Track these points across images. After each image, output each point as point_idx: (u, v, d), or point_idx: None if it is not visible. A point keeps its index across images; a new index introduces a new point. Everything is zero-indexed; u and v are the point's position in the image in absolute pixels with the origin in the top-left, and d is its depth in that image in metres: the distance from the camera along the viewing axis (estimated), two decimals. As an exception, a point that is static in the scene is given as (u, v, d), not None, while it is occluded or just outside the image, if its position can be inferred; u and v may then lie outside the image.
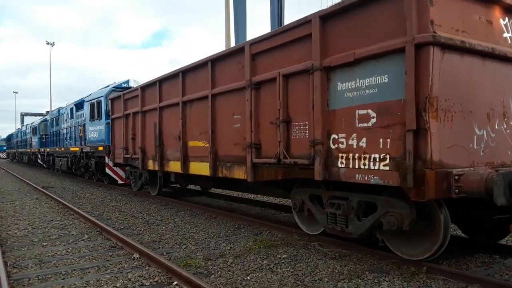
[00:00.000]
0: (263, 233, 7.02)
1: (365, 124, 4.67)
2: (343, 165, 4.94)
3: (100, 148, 14.69)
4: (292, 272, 4.85)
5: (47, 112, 36.75)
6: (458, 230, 6.26)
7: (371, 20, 4.60)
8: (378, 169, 4.49)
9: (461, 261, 5.11)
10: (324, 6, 5.74)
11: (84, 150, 16.78)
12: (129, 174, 13.00)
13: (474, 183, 4.07)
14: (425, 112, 4.08)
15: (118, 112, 12.59)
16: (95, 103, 15.36)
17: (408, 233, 4.83)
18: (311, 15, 5.33)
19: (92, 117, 15.74)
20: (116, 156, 13.08)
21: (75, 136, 18.68)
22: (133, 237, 6.84)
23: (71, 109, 19.60)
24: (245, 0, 19.93)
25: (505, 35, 4.82)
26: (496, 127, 4.67)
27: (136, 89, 11.21)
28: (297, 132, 5.72)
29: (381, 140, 4.49)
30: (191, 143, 8.57)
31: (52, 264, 5.42)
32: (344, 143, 4.93)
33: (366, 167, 4.63)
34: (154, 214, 9.19)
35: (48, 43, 50.98)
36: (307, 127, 5.51)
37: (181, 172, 8.87)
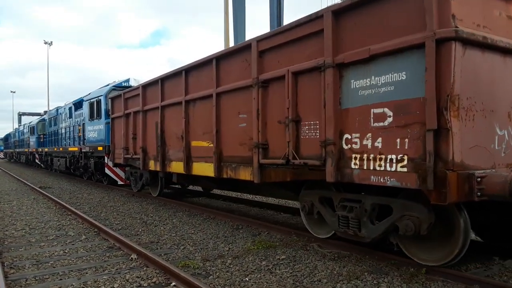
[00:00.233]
0: (262, 234, 6.96)
1: (381, 124, 4.46)
2: (356, 166, 4.73)
3: (100, 148, 14.45)
4: (291, 273, 4.82)
5: (45, 112, 36.48)
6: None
7: (388, 14, 4.40)
8: (395, 170, 4.28)
9: (460, 262, 4.94)
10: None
11: (83, 150, 16.54)
12: (129, 175, 12.77)
13: (497, 186, 3.87)
14: (447, 111, 3.88)
15: (118, 112, 12.36)
16: (95, 102, 15.12)
17: (425, 238, 4.62)
18: (322, 10, 5.13)
19: (91, 117, 15.50)
20: (116, 156, 12.85)
21: (73, 136, 18.43)
22: (131, 238, 6.79)
23: (70, 108, 19.35)
24: (244, 2, 19.84)
25: (526, 31, 4.62)
26: (517, 127, 4.48)
27: (137, 87, 10.98)
28: (307, 131, 5.51)
29: (398, 140, 4.28)
30: (194, 143, 8.35)
31: (49, 264, 5.38)
32: (358, 143, 4.73)
33: (382, 168, 4.42)
34: (152, 215, 9.12)
35: (46, 43, 50.59)
36: (317, 126, 5.31)
37: (183, 173, 8.65)
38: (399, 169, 4.25)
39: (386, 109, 4.41)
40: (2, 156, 62.46)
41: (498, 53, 4.32)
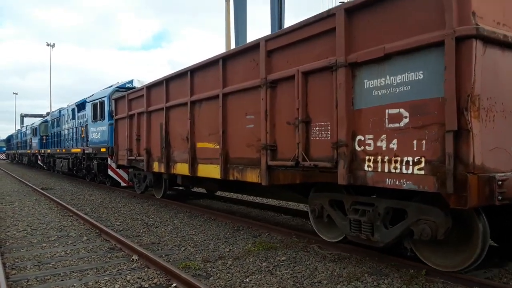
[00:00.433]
0: (262, 235, 6.94)
1: (396, 125, 4.32)
2: (370, 169, 4.58)
3: (103, 150, 14.32)
4: (291, 274, 4.82)
5: (48, 113, 36.40)
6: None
7: (404, 12, 4.26)
8: (412, 173, 4.13)
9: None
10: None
11: (86, 151, 16.41)
12: (133, 176, 12.64)
13: (520, 189, 3.72)
14: (467, 111, 3.73)
15: (122, 113, 12.24)
16: (98, 103, 14.99)
17: (440, 243, 4.46)
18: (334, 8, 5.00)
19: (94, 118, 15.37)
20: (119, 157, 12.72)
21: (76, 137, 18.32)
22: (132, 239, 6.77)
23: (73, 109, 19.25)
24: (245, 2, 19.77)
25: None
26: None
27: (142, 88, 10.86)
28: (317, 133, 5.36)
29: (415, 141, 4.13)
30: (199, 145, 8.21)
31: (51, 265, 5.38)
32: (372, 145, 4.58)
33: (398, 171, 4.27)
34: (153, 216, 9.09)
35: (48, 45, 50.64)
36: (329, 127, 5.17)
37: (188, 174, 8.51)
38: (416, 171, 4.10)
39: (402, 110, 4.26)
40: (4, 158, 62.46)
41: (518, 52, 4.17)
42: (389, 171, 4.35)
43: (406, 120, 4.22)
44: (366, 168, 4.63)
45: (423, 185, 4.03)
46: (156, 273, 4.88)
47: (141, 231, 7.56)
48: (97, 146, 15.07)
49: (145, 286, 4.52)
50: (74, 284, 4.59)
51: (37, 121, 33.46)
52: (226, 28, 18.93)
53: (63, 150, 20.66)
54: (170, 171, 9.44)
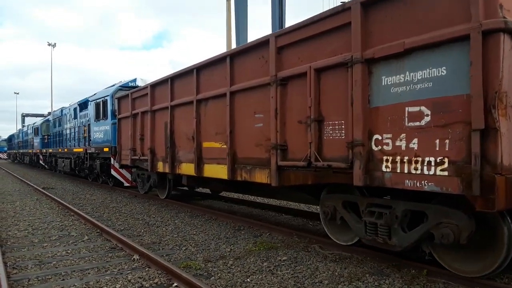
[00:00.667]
0: (263, 235, 6.93)
1: (417, 123, 4.11)
2: (388, 169, 4.38)
3: (106, 149, 14.14)
4: (292, 274, 4.81)
5: (49, 113, 36.24)
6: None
7: (426, 5, 4.06)
8: (434, 174, 3.93)
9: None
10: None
11: (88, 151, 16.23)
12: (136, 176, 12.45)
13: (550, 192, 3.51)
14: (494, 109, 3.54)
15: (125, 112, 12.06)
16: (101, 102, 14.82)
17: (462, 247, 4.26)
18: (350, 2, 4.79)
19: (97, 117, 15.19)
20: (122, 157, 12.53)
21: (79, 136, 18.14)
22: (133, 239, 6.77)
23: (75, 109, 19.08)
24: (246, 1, 19.73)
25: None
26: None
27: (146, 87, 10.66)
28: (330, 132, 5.17)
29: (437, 141, 3.93)
30: (206, 144, 8.02)
31: (52, 265, 5.38)
32: (390, 144, 4.38)
33: (418, 172, 4.07)
34: (154, 216, 9.05)
35: (49, 44, 50.30)
36: (343, 126, 4.97)
37: (194, 175, 8.32)
38: (438, 172, 3.89)
39: (423, 108, 4.06)
40: (6, 157, 62.36)
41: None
42: (409, 172, 4.15)
43: (428, 119, 4.02)
44: (383, 169, 4.43)
45: (447, 186, 3.83)
46: (157, 273, 4.87)
47: (142, 230, 7.54)
48: (99, 146, 14.89)
49: (146, 285, 4.51)
50: (75, 284, 4.59)
51: (38, 120, 33.31)
52: (227, 27, 18.80)
53: (65, 150, 20.49)
54: (175, 171, 9.25)
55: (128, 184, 13.90)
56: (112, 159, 13.72)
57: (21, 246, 6.48)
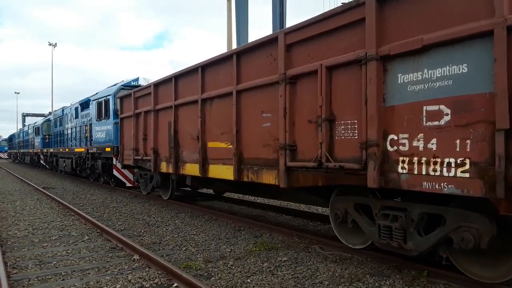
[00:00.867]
0: (264, 235, 6.92)
1: (436, 123, 3.94)
2: (405, 171, 4.21)
3: (108, 149, 13.96)
4: (293, 275, 4.80)
5: (50, 113, 36.07)
6: None
7: (446, 0, 3.89)
8: (454, 176, 3.76)
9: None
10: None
11: (90, 151, 16.06)
12: (139, 177, 12.28)
13: None
14: (520, 107, 3.36)
15: (128, 111, 11.89)
16: (103, 102, 14.65)
17: (482, 252, 4.08)
18: (364, -3, 4.62)
19: (99, 117, 15.03)
20: (125, 157, 12.36)
21: (80, 136, 17.97)
22: (134, 239, 6.77)
23: (76, 108, 18.91)
24: (247, 1, 19.71)
25: None
26: None
27: (149, 86, 10.50)
28: (342, 132, 5.00)
29: (457, 141, 3.76)
30: (211, 144, 7.86)
31: (52, 265, 5.38)
32: (407, 144, 4.21)
33: (437, 173, 3.89)
34: (154, 216, 9.04)
35: (50, 44, 49.98)
36: (356, 126, 4.80)
37: (199, 175, 8.15)
38: (459, 174, 3.72)
39: (442, 106, 3.89)
40: (6, 157, 62.22)
41: None
42: (427, 174, 3.98)
43: (448, 118, 3.85)
44: (400, 170, 4.26)
45: (468, 189, 3.66)
46: (157, 273, 4.87)
47: (142, 230, 7.51)
48: (101, 146, 14.72)
49: (146, 286, 4.50)
50: (75, 284, 4.58)
51: (39, 120, 33.16)
52: (228, 27, 18.73)
53: (66, 150, 20.32)
54: (179, 172, 9.08)
55: (130, 185, 13.73)
56: (114, 159, 13.55)
57: (21, 246, 6.45)
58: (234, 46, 17.37)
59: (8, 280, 4.62)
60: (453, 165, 3.78)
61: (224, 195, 11.85)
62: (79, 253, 5.93)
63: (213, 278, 4.73)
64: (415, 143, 4.12)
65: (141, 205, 10.64)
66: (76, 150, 18.23)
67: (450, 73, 3.84)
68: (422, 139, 4.06)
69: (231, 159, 7.06)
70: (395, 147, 4.32)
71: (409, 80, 4.19)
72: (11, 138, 56.14)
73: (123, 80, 15.06)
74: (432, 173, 3.95)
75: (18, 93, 76.70)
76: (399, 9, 4.30)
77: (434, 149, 3.95)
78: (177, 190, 11.29)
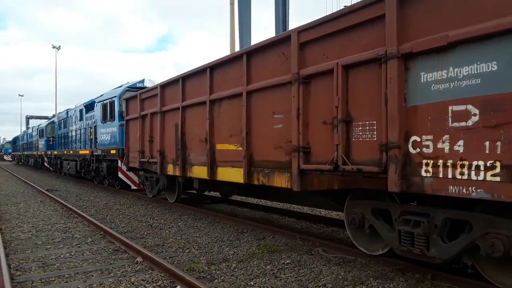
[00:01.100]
0: (267, 238, 6.92)
1: (463, 123, 3.74)
2: (428, 174, 4.00)
3: (113, 151, 13.81)
4: (296, 277, 4.78)
5: (53, 115, 36.03)
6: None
7: (473, -7, 3.69)
8: (484, 180, 3.55)
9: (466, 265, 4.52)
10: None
11: (94, 153, 15.92)
12: (144, 179, 12.11)
13: None
14: (557, 107, 3.16)
15: (134, 113, 11.73)
16: (108, 103, 14.51)
17: (510, 260, 3.87)
18: (384, -8, 4.43)
19: (104, 119, 14.88)
20: (130, 160, 12.20)
21: (84, 138, 17.83)
22: (137, 241, 6.79)
23: (81, 110, 18.78)
24: (249, 5, 19.89)
25: None
26: None
27: (155, 87, 10.33)
28: (360, 133, 4.80)
29: (487, 143, 3.55)
30: (219, 146, 7.67)
31: (55, 267, 5.39)
32: (431, 147, 4.00)
33: (465, 177, 3.69)
34: (157, 218, 9.05)
35: (54, 47, 50.10)
36: (375, 127, 4.60)
37: (207, 178, 7.96)
38: (488, 178, 3.51)
39: (470, 106, 3.68)
40: (10, 159, 62.29)
41: None
42: (454, 177, 3.77)
43: (476, 118, 3.64)
44: (423, 174, 4.05)
45: (499, 193, 3.45)
46: (161, 275, 4.87)
47: (146, 233, 7.52)
48: (106, 148, 14.57)
49: None
50: (79, 286, 4.60)
51: (43, 122, 33.10)
52: (231, 30, 18.68)
53: (71, 152, 20.19)
54: (186, 174, 8.89)
55: (136, 187, 13.57)
56: (119, 161, 13.39)
57: (25, 248, 6.44)
58: (237, 49, 17.34)
59: (11, 282, 4.62)
60: (482, 168, 3.57)
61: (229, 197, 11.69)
62: (83, 255, 5.93)
63: (216, 280, 4.73)
64: (440, 145, 3.92)
65: (144, 207, 10.61)
66: (81, 152, 18.10)
67: (478, 71, 3.63)
68: (447, 141, 3.85)
69: (241, 161, 6.86)
70: (418, 149, 4.12)
71: (433, 79, 3.98)
72: (15, 141, 56.22)
73: (128, 82, 14.93)
74: (459, 176, 3.74)
75: (23, 95, 77.02)
76: (421, 4, 4.10)
77: (461, 151, 3.74)
78: (184, 193, 11.14)
